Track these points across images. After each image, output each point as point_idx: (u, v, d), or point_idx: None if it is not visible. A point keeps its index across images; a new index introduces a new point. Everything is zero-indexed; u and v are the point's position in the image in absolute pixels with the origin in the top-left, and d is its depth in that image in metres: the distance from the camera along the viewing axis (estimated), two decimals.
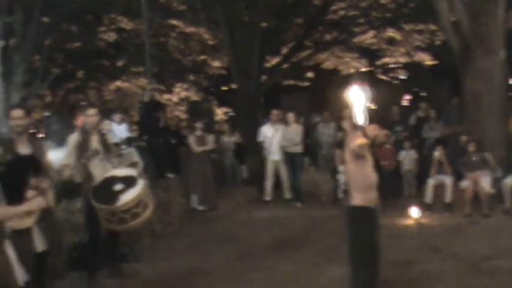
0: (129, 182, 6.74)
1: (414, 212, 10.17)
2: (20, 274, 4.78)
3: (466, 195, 10.57)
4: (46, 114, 25.89)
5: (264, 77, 19.62)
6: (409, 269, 7.28)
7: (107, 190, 6.68)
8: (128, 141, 12.44)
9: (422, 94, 26.45)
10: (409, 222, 10.02)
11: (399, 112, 13.82)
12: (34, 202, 4.99)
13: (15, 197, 4.90)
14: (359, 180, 5.43)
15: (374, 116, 5.41)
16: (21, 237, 5.13)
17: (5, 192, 4.79)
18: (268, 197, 12.89)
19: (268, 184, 12.87)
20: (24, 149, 5.83)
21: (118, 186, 6.69)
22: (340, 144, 11.91)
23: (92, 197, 6.67)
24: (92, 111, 7.27)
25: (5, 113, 14.26)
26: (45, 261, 5.94)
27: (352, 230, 5.55)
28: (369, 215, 5.48)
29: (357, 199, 5.45)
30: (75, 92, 25.07)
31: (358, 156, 5.28)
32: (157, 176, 11.69)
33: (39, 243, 5.69)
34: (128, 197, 6.53)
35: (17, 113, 5.94)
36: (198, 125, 12.81)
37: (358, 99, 5.27)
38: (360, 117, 5.27)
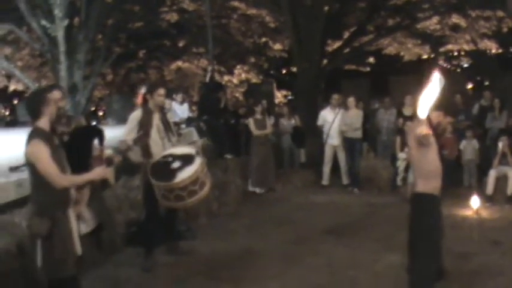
0: (186, 159, 6.77)
1: (474, 202, 9.95)
2: (79, 245, 4.88)
3: None
4: (107, 92, 26.40)
5: (325, 61, 19.47)
6: (468, 261, 7.14)
7: (164, 167, 6.73)
8: (188, 121, 12.56)
9: (486, 83, 25.92)
10: (469, 213, 9.81)
11: (462, 101, 13.53)
12: (97, 171, 5.07)
13: (79, 165, 4.98)
14: (423, 167, 5.35)
15: (438, 104, 5.31)
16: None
17: (69, 161, 4.89)
18: (325, 181, 12.83)
19: (326, 169, 12.80)
20: (63, 129, 5.88)
21: (176, 164, 6.72)
22: (400, 131, 11.80)
23: (149, 173, 6.73)
24: (162, 91, 7.30)
25: (68, 90, 14.55)
26: (99, 239, 6.03)
27: (414, 217, 5.47)
28: (432, 203, 5.40)
29: (421, 186, 5.37)
30: (136, 71, 25.46)
31: (422, 144, 5.19)
32: (216, 156, 11.74)
33: (88, 224, 5.78)
34: (184, 174, 6.55)
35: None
36: (258, 108, 12.79)
37: (433, 87, 5.17)
38: (426, 104, 5.17)
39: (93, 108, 25.11)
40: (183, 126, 11.87)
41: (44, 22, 13.91)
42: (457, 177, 11.79)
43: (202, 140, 10.26)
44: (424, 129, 5.08)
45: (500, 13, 18.80)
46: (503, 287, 6.21)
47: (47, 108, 4.65)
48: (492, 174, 10.83)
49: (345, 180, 12.65)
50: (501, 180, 10.78)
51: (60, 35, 13.93)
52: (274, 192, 12.28)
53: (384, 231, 8.68)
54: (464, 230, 8.66)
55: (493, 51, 23.78)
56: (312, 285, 6.40)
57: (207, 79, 14.78)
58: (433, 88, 5.16)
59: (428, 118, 5.41)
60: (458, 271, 6.67)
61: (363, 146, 12.79)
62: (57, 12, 13.67)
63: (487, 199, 10.55)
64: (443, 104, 5.88)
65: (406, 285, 5.59)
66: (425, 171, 5.34)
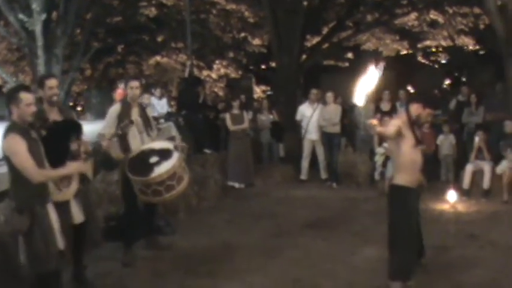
0: (164, 154, 6.79)
1: (451, 196, 10.07)
2: (60, 239, 4.89)
3: (504, 179, 10.42)
4: (86, 87, 26.22)
5: (304, 56, 19.50)
6: (445, 254, 7.23)
7: (142, 162, 6.74)
8: (167, 116, 12.55)
9: (463, 79, 26.14)
10: (446, 207, 9.94)
11: (439, 96, 13.63)
12: (74, 165, 5.09)
13: (56, 160, 4.99)
14: (398, 159, 5.41)
15: (418, 96, 5.38)
16: (60, 209, 5.25)
17: (47, 156, 4.89)
18: (304, 176, 12.89)
19: (305, 163, 12.86)
20: (55, 118, 5.88)
21: (153, 159, 6.74)
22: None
23: (127, 168, 6.73)
24: (135, 83, 7.29)
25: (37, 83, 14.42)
26: (84, 232, 6.08)
27: (391, 209, 5.54)
28: (407, 195, 5.46)
29: (396, 178, 5.43)
30: (115, 66, 25.29)
31: (395, 138, 5.25)
32: (195, 151, 11.74)
33: (77, 215, 5.83)
34: (162, 169, 6.58)
35: (53, 82, 6.00)
36: (235, 103, 12.81)
37: (371, 80, 5.20)
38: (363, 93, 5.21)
39: (71, 103, 24.93)
40: (162, 121, 11.85)
41: (21, 16, 13.74)
42: (434, 172, 11.90)
43: (180, 139, 10.23)
44: (394, 123, 5.14)
45: (477, 10, 18.92)
46: (479, 279, 6.29)
47: (16, 108, 4.66)
48: (468, 168, 10.95)
49: (324, 174, 12.71)
50: (477, 174, 10.90)
51: (38, 29, 13.78)
52: (253, 187, 12.31)
53: (362, 225, 8.76)
54: (441, 224, 8.78)
55: (470, 47, 23.97)
56: (291, 278, 6.44)
57: (186, 74, 14.76)
58: (371, 78, 5.17)
59: (408, 111, 5.48)
60: (435, 264, 6.76)
61: (341, 140, 12.83)
62: (35, 6, 13.52)
63: (463, 193, 10.67)
64: (422, 97, 5.95)
65: (383, 278, 5.66)
66: (400, 164, 5.40)
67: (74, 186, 5.63)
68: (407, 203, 5.49)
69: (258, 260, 7.17)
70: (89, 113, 25.59)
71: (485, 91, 14.02)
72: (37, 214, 4.67)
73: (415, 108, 5.55)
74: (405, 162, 5.38)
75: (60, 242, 4.89)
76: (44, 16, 13.71)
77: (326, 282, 6.33)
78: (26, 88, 4.84)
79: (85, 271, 6.37)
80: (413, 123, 5.52)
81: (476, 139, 11.08)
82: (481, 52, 24.11)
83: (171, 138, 9.26)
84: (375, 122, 5.29)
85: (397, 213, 5.46)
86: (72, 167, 5.09)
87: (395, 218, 5.47)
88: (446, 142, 12.13)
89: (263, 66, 26.34)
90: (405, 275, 5.52)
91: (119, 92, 10.96)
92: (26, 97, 4.67)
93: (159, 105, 13.23)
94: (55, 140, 5.22)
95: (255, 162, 12.94)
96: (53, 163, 4.97)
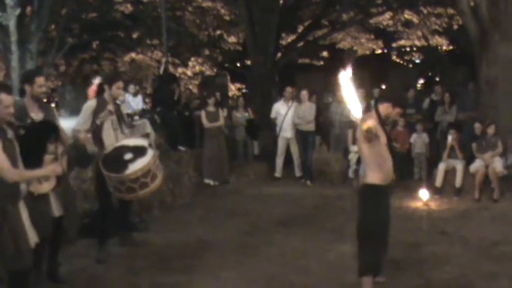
0: (139, 151, 6.78)
1: (424, 194, 10.19)
2: (32, 236, 4.88)
3: (477, 178, 10.55)
4: (60, 83, 26.05)
5: (279, 54, 19.57)
6: (416, 251, 7.32)
7: (116, 159, 6.71)
8: (142, 113, 12.51)
9: (437, 78, 26.39)
10: (419, 204, 10.05)
11: (413, 95, 13.76)
12: (50, 168, 5.07)
13: (33, 160, 4.98)
14: (370, 159, 5.45)
15: (387, 96, 5.42)
16: (39, 202, 5.25)
17: (22, 156, 4.87)
18: (278, 173, 12.93)
19: (279, 161, 12.91)
20: (36, 114, 5.88)
21: (128, 156, 6.72)
22: (353, 124, 11.98)
23: (101, 165, 6.71)
24: (121, 84, 7.28)
25: (19, 80, 14.32)
26: (61, 226, 6.08)
27: (362, 207, 5.59)
28: (378, 194, 5.51)
29: (370, 177, 5.48)
30: (90, 62, 25.18)
31: (369, 137, 5.28)
32: (170, 148, 11.73)
33: (56, 209, 5.83)
34: (136, 166, 6.55)
35: (43, 79, 6.05)
36: (210, 100, 12.82)
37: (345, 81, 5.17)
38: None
39: (45, 100, 24.77)
40: (137, 118, 11.81)
41: None
42: (407, 170, 12.02)
43: (154, 136, 10.20)
44: (369, 123, 5.16)
45: (451, 10, 19.15)
46: (450, 275, 6.38)
47: None
48: (441, 167, 11.08)
49: (298, 172, 12.77)
50: (450, 173, 11.03)
51: (11, 24, 13.71)
52: (228, 184, 12.34)
53: (335, 222, 8.82)
54: (414, 221, 8.88)
55: (444, 47, 24.23)
56: (265, 275, 6.48)
57: (161, 71, 14.74)
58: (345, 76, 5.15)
59: (377, 110, 5.53)
60: (408, 260, 6.86)
61: (315, 139, 12.91)
62: (9, 1, 13.45)
63: (436, 191, 10.80)
64: (392, 96, 6.00)
65: (356, 274, 5.71)
66: (374, 163, 5.44)
67: (54, 180, 5.61)
68: (378, 200, 5.54)
69: (232, 256, 7.19)
70: (63, 109, 25.40)
71: (458, 90, 14.16)
72: (8, 212, 4.64)
73: (384, 108, 5.60)
74: (377, 161, 5.42)
75: (33, 239, 4.87)
76: (18, 11, 13.64)
77: (300, 278, 6.37)
78: (7, 89, 4.78)
79: (59, 268, 6.36)
80: (383, 122, 5.56)
81: (449, 138, 11.20)
82: (455, 52, 24.36)
83: (146, 136, 9.23)
84: (370, 124, 5.23)
85: (368, 211, 5.51)
86: (48, 169, 5.08)
87: (367, 215, 5.52)
88: (419, 141, 12.24)
89: (238, 64, 26.37)
90: (374, 270, 5.57)
91: (92, 89, 10.90)
92: (6, 99, 4.63)
93: (134, 102, 13.19)
94: (33, 140, 5.19)
95: (229, 160, 12.96)
96: (30, 163, 4.95)
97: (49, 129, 5.51)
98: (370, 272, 5.54)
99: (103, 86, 7.37)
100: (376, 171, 5.43)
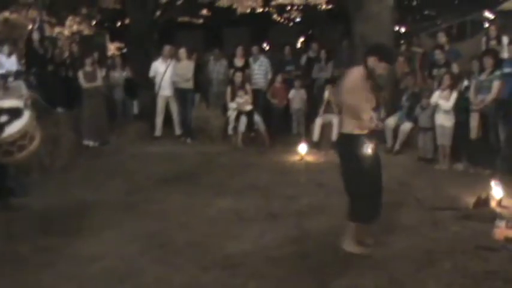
0: (14, 113, 6.55)
1: (302, 149, 10.44)
2: None
3: None
4: None
5: (158, 12, 19.27)
6: (295, 203, 7.47)
7: None
8: (16, 74, 12.02)
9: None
10: (297, 158, 10.29)
11: (291, 52, 13.99)
12: None
13: None
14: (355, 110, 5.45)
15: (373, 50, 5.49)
16: None
17: None
18: (158, 132, 12.86)
19: (159, 120, 12.82)
20: None
21: (3, 118, 6.48)
22: (231, 81, 12.10)
23: None
24: None
25: None
26: None
27: (349, 157, 5.60)
28: (362, 141, 5.50)
29: (351, 127, 5.48)
30: None
31: None
32: (47, 109, 11.34)
33: None
34: (13, 128, 6.35)
35: None
36: (88, 60, 12.49)
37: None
38: None
39: None
40: (11, 79, 11.34)
41: None
42: (286, 125, 12.27)
43: (30, 94, 9.83)
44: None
45: None
46: (325, 225, 6.56)
47: None
48: (318, 121, 11.37)
49: (178, 130, 12.75)
50: (326, 127, 11.33)
51: None
52: (108, 145, 12.13)
53: (216, 178, 8.90)
54: (292, 175, 9.10)
55: (324, 6, 24.65)
56: (146, 233, 6.44)
57: (36, 31, 14.20)
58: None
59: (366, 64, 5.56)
60: (285, 212, 7.02)
61: (195, 96, 12.91)
62: None
63: (313, 145, 11.09)
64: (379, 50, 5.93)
65: (237, 228, 5.79)
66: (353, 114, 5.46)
67: None
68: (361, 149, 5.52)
69: (114, 216, 7.09)
70: None
71: (334, 47, 14.51)
72: None
73: (372, 61, 5.61)
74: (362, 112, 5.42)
75: None
76: None
77: (181, 234, 6.37)
78: None
79: None
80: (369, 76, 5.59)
81: (326, 93, 11.50)
82: (333, 11, 24.84)
83: (21, 97, 8.90)
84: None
85: (353, 160, 5.53)
86: None
87: (354, 166, 5.55)
88: (297, 96, 12.50)
89: (118, 23, 25.79)
90: (365, 221, 5.66)
91: None
92: None
93: (8, 63, 12.62)
94: None
95: (109, 120, 12.73)
96: None
97: None
98: (362, 222, 5.65)
99: None
100: (358, 121, 5.43)
